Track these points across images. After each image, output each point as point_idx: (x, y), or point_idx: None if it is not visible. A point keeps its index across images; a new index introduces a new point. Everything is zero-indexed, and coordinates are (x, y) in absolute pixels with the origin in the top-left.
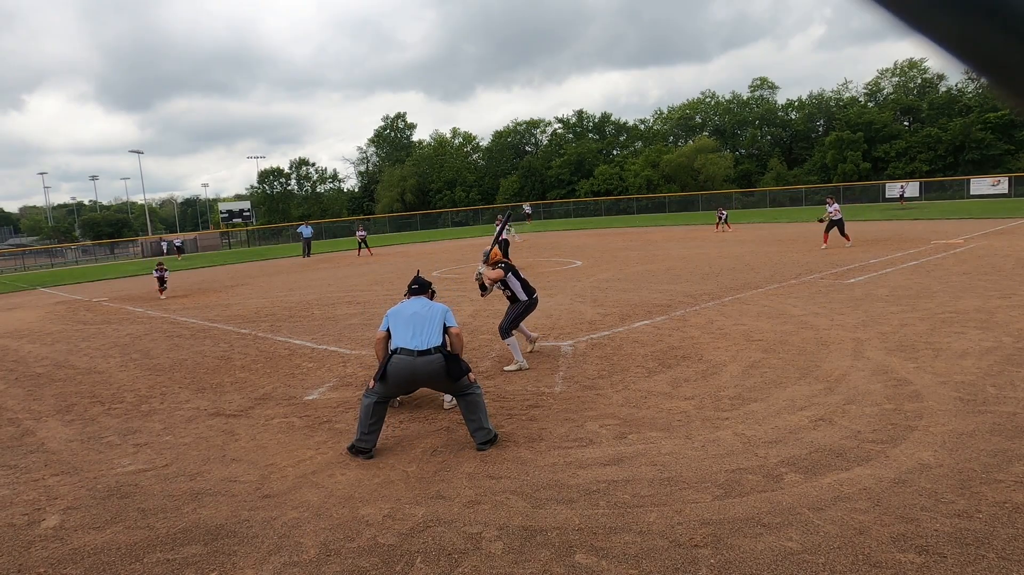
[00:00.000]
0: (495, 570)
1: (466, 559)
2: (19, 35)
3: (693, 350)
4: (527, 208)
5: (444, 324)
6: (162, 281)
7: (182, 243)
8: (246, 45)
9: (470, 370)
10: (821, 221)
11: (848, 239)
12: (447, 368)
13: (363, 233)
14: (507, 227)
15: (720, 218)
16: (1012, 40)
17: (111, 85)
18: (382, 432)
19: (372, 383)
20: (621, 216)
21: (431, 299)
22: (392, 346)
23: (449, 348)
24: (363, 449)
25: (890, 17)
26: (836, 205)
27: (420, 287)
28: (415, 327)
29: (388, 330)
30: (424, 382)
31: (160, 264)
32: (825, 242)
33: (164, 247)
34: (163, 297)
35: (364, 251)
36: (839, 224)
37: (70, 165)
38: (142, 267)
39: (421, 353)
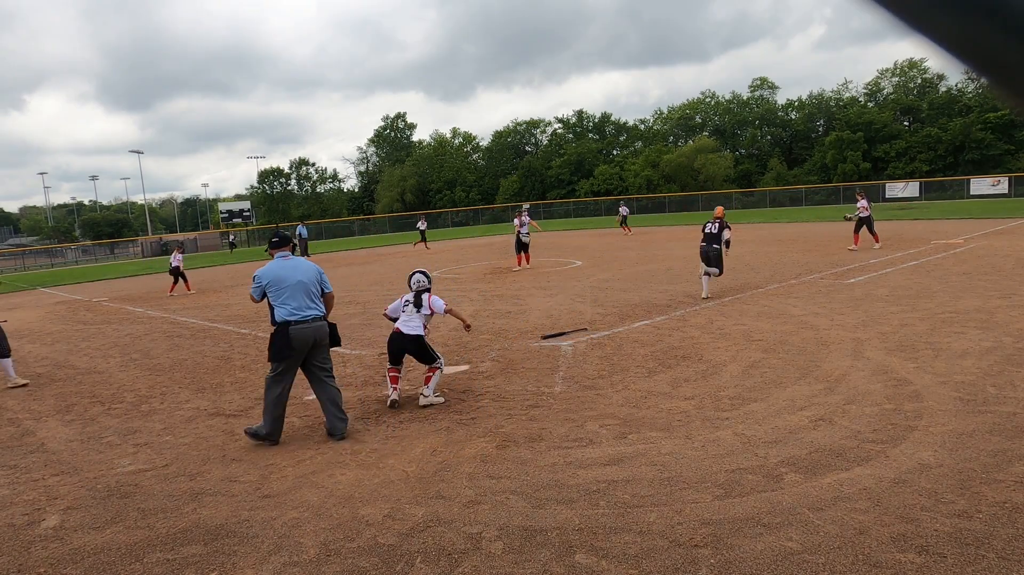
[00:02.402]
0: (495, 570)
1: (466, 559)
2: (19, 35)
3: (693, 350)
4: (526, 209)
5: (322, 290)
6: (178, 274)
7: (235, 238)
8: (247, 45)
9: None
10: (848, 219)
11: (877, 240)
12: (331, 335)
13: (423, 225)
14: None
15: (621, 217)
16: (1012, 40)
17: (111, 85)
18: (382, 432)
19: (271, 367)
20: None
21: (293, 252)
22: (280, 317)
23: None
24: (271, 436)
25: (890, 17)
26: (865, 201)
27: (282, 241)
28: (303, 297)
29: (264, 297)
30: (317, 346)
31: (181, 246)
32: (856, 243)
33: (222, 242)
34: (172, 294)
35: (420, 244)
36: (867, 222)
37: (70, 165)
38: (142, 267)
39: (314, 319)
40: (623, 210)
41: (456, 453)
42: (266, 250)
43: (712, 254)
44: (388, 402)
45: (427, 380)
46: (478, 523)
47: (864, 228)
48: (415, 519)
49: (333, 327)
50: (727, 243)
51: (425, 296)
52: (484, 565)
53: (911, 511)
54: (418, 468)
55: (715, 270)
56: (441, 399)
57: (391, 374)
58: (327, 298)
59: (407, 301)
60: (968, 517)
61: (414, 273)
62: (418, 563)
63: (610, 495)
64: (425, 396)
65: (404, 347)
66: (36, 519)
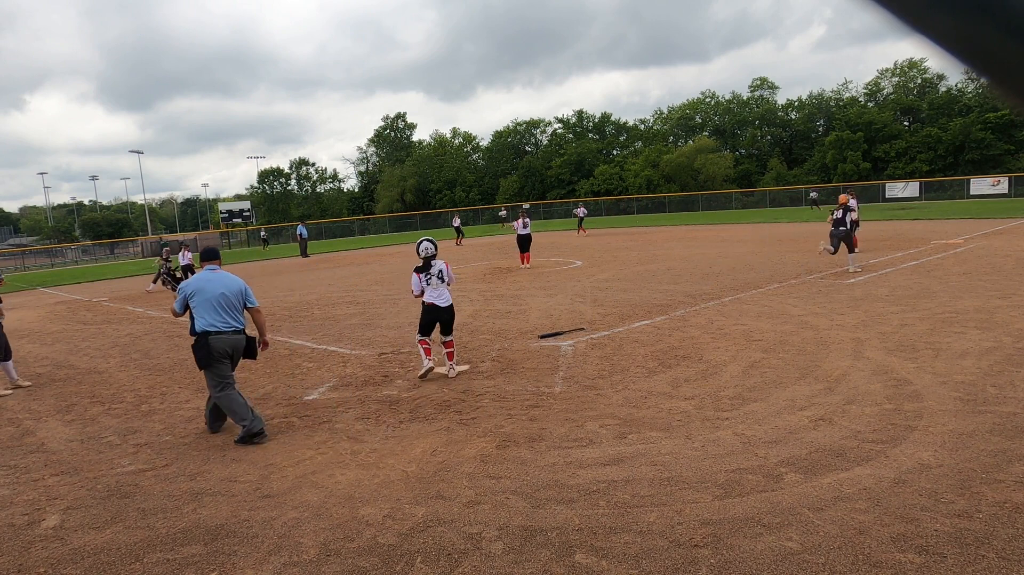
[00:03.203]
0: (495, 570)
1: (466, 559)
2: (21, 35)
3: (693, 350)
4: (525, 210)
5: (245, 304)
6: (189, 271)
7: (267, 235)
8: (248, 45)
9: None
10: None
11: (856, 244)
12: (247, 348)
13: (458, 222)
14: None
15: (579, 219)
16: (1012, 40)
17: (112, 85)
18: (382, 432)
19: (208, 383)
20: (621, 216)
21: (221, 265)
22: (199, 327)
23: (254, 324)
24: (259, 430)
25: (890, 17)
26: (854, 201)
27: (211, 253)
28: (223, 310)
29: (185, 309)
30: (234, 358)
31: (187, 244)
32: (856, 245)
33: (261, 236)
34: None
35: (461, 240)
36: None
37: (70, 165)
38: (142, 267)
39: (233, 332)
40: (581, 211)
41: (456, 453)
42: (199, 264)
43: (837, 235)
44: (423, 372)
45: (450, 356)
46: (478, 523)
47: (853, 231)
48: (415, 519)
49: (251, 341)
50: (854, 223)
51: (440, 264)
52: (484, 565)
53: (911, 511)
54: (418, 468)
55: (831, 248)
56: (466, 367)
57: (423, 346)
58: (253, 313)
59: (427, 274)
60: (968, 517)
61: (422, 241)
62: (418, 563)
63: (610, 495)
64: (454, 368)
65: (439, 317)
66: (36, 519)
